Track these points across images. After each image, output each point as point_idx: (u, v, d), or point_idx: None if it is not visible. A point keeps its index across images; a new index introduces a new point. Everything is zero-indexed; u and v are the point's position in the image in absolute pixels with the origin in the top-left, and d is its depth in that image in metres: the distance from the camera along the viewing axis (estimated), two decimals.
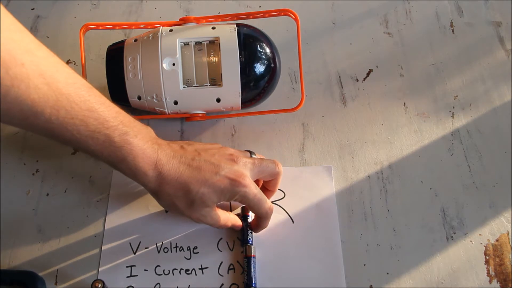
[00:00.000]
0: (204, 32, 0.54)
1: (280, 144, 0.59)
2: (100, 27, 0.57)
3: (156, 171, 0.45)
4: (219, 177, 0.46)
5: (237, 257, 0.52)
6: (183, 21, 0.57)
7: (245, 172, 0.47)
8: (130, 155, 0.44)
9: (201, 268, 0.51)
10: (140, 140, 0.45)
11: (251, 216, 0.53)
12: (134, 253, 0.52)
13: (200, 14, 0.59)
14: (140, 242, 0.53)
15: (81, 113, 0.41)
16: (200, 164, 0.46)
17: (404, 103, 0.62)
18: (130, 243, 0.53)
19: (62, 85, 0.39)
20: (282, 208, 0.55)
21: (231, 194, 0.47)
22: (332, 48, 0.66)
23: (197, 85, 0.54)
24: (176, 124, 0.61)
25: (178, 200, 0.46)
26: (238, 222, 0.52)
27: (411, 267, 0.51)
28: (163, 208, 0.54)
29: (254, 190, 0.47)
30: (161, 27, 0.55)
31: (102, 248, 0.52)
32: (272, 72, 0.56)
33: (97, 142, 0.42)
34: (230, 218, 0.51)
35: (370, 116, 0.61)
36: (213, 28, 0.55)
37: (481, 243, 0.53)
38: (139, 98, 0.54)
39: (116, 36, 0.66)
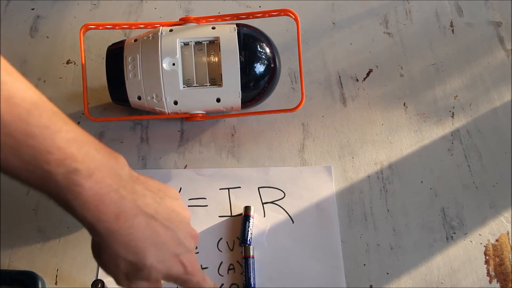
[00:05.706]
0: (204, 32, 0.54)
1: (280, 144, 0.59)
2: (100, 27, 0.57)
3: (115, 226, 0.35)
4: (176, 259, 0.39)
5: (237, 257, 0.52)
6: (183, 21, 0.57)
7: (195, 256, 0.42)
8: (78, 200, 0.33)
9: (201, 268, 0.51)
10: (96, 183, 0.33)
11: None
12: None
13: (200, 14, 0.59)
14: None
15: (11, 136, 0.31)
16: (168, 234, 0.38)
17: (404, 103, 0.62)
18: None
19: None
20: (282, 208, 0.55)
21: (176, 280, 0.41)
22: (332, 48, 0.66)
23: (197, 85, 0.54)
24: (176, 124, 0.61)
25: (124, 264, 0.37)
26: None
27: (411, 267, 0.51)
28: None
29: (197, 278, 0.42)
30: (161, 27, 0.55)
31: None
32: (272, 72, 0.56)
33: (33, 176, 0.32)
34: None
35: (370, 116, 0.61)
36: (213, 28, 0.55)
37: (481, 243, 0.53)
38: (139, 98, 0.54)
39: (116, 36, 0.66)
